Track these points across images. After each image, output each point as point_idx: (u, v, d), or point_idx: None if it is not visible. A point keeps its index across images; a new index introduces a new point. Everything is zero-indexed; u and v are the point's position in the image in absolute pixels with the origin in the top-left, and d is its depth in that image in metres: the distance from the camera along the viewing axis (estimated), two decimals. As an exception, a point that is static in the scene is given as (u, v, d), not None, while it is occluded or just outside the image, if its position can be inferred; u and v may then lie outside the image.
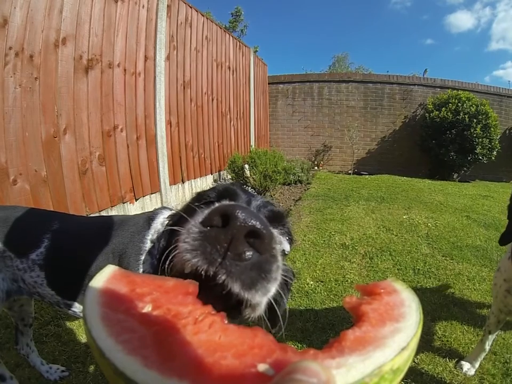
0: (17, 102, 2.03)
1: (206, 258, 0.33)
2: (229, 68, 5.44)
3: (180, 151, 3.97)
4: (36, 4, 2.10)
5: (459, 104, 6.64)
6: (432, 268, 2.52)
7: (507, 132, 7.61)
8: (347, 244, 2.94)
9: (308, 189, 5.45)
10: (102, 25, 2.67)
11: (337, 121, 8.04)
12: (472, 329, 1.79)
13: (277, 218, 0.51)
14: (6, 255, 0.96)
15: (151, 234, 0.91)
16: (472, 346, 1.63)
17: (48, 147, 2.24)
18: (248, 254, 0.33)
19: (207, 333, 0.26)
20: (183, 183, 4.10)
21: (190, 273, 0.34)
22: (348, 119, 7.91)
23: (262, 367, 0.23)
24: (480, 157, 6.74)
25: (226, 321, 0.28)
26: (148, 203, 3.39)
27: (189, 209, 0.48)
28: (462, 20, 69.64)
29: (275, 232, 0.49)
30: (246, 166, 4.72)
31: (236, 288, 0.32)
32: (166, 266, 0.38)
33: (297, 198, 4.82)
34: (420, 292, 2.15)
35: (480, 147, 6.57)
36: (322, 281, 2.28)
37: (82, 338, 1.63)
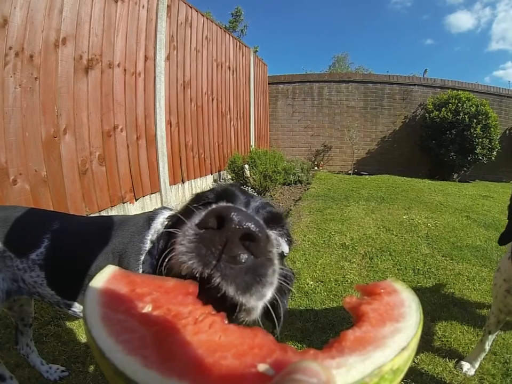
0: (17, 102, 2.03)
1: (201, 260, 0.33)
2: (229, 68, 5.44)
3: (180, 151, 3.97)
4: (36, 3, 2.10)
5: (459, 104, 6.65)
6: (432, 268, 2.52)
7: (507, 132, 7.62)
8: (347, 244, 2.94)
9: (307, 189, 5.45)
10: (102, 25, 2.67)
11: (337, 121, 8.04)
12: (472, 329, 1.79)
13: (276, 220, 0.50)
14: (6, 255, 0.96)
15: (151, 235, 0.91)
16: (472, 346, 1.63)
17: (48, 147, 2.24)
18: (243, 256, 0.32)
19: (207, 333, 0.26)
20: (183, 183, 4.10)
21: (187, 276, 0.34)
22: (347, 119, 7.91)
23: (262, 367, 0.23)
24: (480, 157, 6.75)
25: (226, 322, 0.28)
26: (148, 203, 3.39)
27: (187, 211, 0.48)
28: (462, 20, 69.70)
29: (273, 234, 0.49)
30: (246, 166, 4.72)
31: (230, 291, 0.32)
32: (163, 268, 0.38)
33: (297, 198, 4.82)
34: (420, 292, 2.15)
35: (480, 147, 6.57)
36: (322, 281, 2.28)
37: (82, 338, 1.63)
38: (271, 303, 0.38)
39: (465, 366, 1.49)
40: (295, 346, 1.33)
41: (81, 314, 0.81)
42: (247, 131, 6.41)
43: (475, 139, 6.49)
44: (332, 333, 1.72)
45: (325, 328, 1.78)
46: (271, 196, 4.78)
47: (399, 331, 0.27)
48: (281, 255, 0.51)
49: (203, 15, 4.52)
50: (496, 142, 6.70)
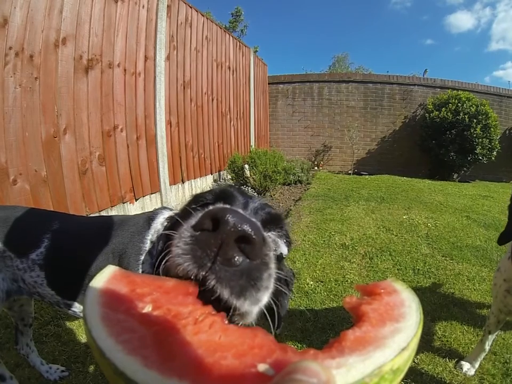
0: (17, 102, 2.03)
1: (196, 262, 0.32)
2: (229, 68, 5.45)
3: (180, 151, 3.97)
4: (36, 3, 2.10)
5: (459, 104, 6.65)
6: (432, 268, 2.52)
7: (507, 132, 7.62)
8: (347, 244, 2.94)
9: (307, 189, 5.45)
10: (102, 25, 2.67)
11: (337, 121, 8.04)
12: (472, 329, 1.79)
13: (275, 221, 0.50)
14: (6, 255, 0.97)
15: (151, 235, 0.91)
16: (472, 346, 1.63)
17: (48, 147, 2.24)
18: (238, 259, 0.32)
19: (207, 333, 0.26)
20: (183, 183, 4.10)
21: (183, 278, 0.34)
22: (348, 119, 7.92)
23: (262, 367, 0.23)
24: (480, 157, 6.75)
25: (226, 322, 0.28)
26: (148, 203, 3.39)
27: (185, 213, 0.47)
28: (462, 20, 69.67)
29: (272, 235, 0.48)
30: (246, 166, 4.72)
31: (225, 294, 0.32)
32: (160, 270, 0.37)
33: (297, 198, 4.82)
34: (420, 292, 2.15)
35: (480, 147, 6.57)
36: (322, 281, 2.28)
37: (82, 338, 1.63)
38: (268, 308, 0.37)
39: (465, 366, 1.49)
40: (295, 346, 1.33)
41: (81, 314, 0.81)
42: (247, 131, 6.41)
43: (475, 139, 6.49)
44: (331, 333, 1.72)
45: (325, 328, 1.78)
46: (271, 196, 4.78)
47: (399, 331, 0.27)
48: (280, 257, 0.51)
49: (203, 15, 4.52)
50: (496, 142, 6.70)
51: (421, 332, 0.28)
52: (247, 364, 0.23)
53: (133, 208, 3.12)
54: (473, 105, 6.58)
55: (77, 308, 0.99)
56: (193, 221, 0.35)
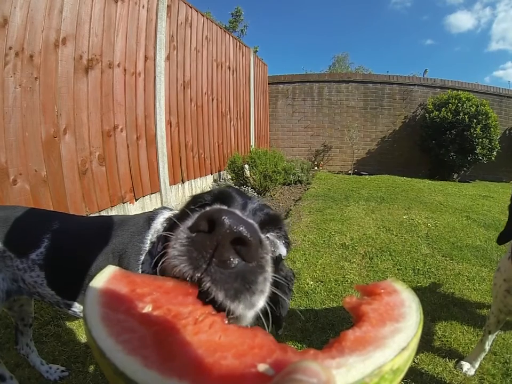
0: (17, 102, 2.03)
1: (191, 264, 0.32)
2: (229, 68, 5.44)
3: (180, 151, 3.97)
4: (36, 3, 2.10)
5: (459, 104, 6.65)
6: (432, 268, 2.52)
7: (507, 132, 7.62)
8: (347, 244, 2.94)
9: (307, 189, 5.45)
10: (102, 25, 2.67)
11: (337, 121, 8.04)
12: (472, 329, 1.79)
13: (273, 222, 0.49)
14: (6, 255, 0.96)
15: (151, 235, 0.91)
16: (472, 346, 1.63)
17: (48, 147, 2.24)
18: (233, 261, 0.32)
19: (207, 333, 0.26)
20: (183, 183, 4.10)
21: (180, 279, 0.33)
22: (348, 119, 7.92)
23: (262, 367, 0.23)
24: (480, 157, 6.75)
25: (226, 322, 0.28)
26: (148, 203, 3.39)
27: (183, 214, 0.47)
28: (462, 20, 69.67)
29: (271, 236, 0.48)
30: (246, 166, 4.72)
31: (219, 296, 0.31)
32: (157, 271, 0.37)
33: (297, 198, 4.82)
34: (420, 292, 2.15)
35: (480, 147, 6.57)
36: (322, 281, 2.28)
37: (82, 338, 1.63)
38: (264, 312, 0.37)
39: (465, 366, 1.49)
40: (295, 346, 1.33)
41: (81, 314, 0.81)
42: (247, 131, 6.41)
43: (475, 139, 6.49)
44: (332, 333, 1.72)
45: (325, 328, 1.78)
46: (271, 196, 4.78)
47: (399, 331, 0.27)
48: (279, 258, 0.50)
49: (203, 15, 4.52)
50: (496, 142, 6.70)
51: (421, 332, 0.28)
52: (247, 364, 0.23)
53: (133, 208, 3.12)
54: (473, 105, 6.58)
55: (77, 307, 0.99)
56: (189, 222, 0.35)
